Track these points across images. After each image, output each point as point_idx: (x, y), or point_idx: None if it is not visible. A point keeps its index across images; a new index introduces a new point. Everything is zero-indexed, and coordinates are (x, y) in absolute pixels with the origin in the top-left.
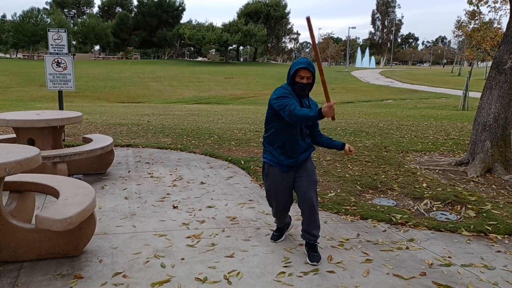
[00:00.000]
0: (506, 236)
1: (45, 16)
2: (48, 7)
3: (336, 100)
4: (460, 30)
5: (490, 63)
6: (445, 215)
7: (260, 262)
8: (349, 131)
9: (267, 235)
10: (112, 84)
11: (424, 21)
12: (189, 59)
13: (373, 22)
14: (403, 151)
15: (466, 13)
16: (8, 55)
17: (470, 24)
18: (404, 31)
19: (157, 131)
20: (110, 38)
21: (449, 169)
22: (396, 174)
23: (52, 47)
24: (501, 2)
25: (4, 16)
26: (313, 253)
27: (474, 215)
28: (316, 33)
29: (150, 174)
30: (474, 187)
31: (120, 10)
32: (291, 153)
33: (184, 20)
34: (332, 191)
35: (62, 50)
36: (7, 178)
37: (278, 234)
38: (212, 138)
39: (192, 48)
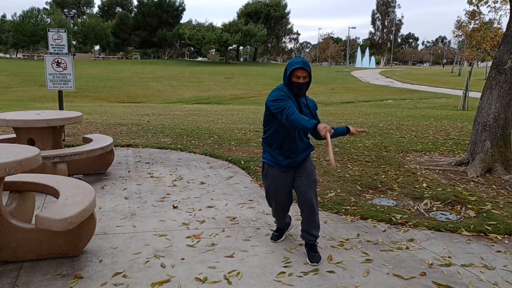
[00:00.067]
0: (506, 236)
1: (45, 16)
2: (48, 7)
3: (336, 100)
4: (460, 30)
5: (490, 63)
6: (445, 215)
7: (260, 262)
8: None
9: (267, 235)
10: (112, 84)
11: (424, 21)
12: (189, 59)
13: (373, 22)
14: (403, 151)
15: (466, 13)
16: (8, 55)
17: (470, 24)
18: (404, 31)
19: (157, 131)
20: (110, 38)
21: (449, 169)
22: (396, 174)
23: (52, 47)
24: (501, 2)
25: (4, 16)
26: (312, 254)
27: (474, 215)
28: (316, 33)
29: (150, 174)
30: (474, 187)
31: (120, 10)
32: (290, 153)
33: (184, 20)
34: (332, 191)
35: (62, 50)
36: (7, 178)
37: (278, 234)
38: (212, 138)
39: (192, 48)
